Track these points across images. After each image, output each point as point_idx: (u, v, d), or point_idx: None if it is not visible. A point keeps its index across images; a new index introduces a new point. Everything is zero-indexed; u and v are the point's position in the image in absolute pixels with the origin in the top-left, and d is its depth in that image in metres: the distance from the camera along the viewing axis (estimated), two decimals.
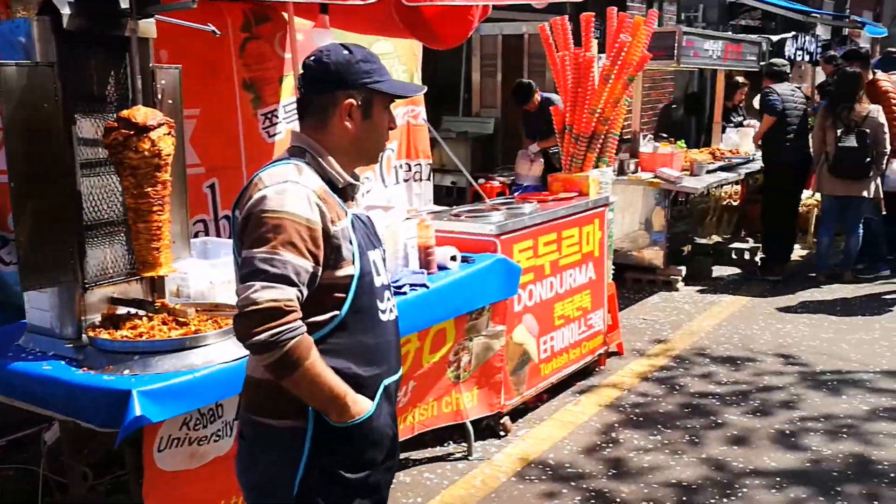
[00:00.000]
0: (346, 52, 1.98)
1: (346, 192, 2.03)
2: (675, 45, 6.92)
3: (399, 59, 5.90)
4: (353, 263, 1.94)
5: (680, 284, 7.08)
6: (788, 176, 7.40)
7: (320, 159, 1.98)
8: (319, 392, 1.87)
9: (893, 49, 8.77)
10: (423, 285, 3.47)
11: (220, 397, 2.66)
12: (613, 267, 5.48)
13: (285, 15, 4.74)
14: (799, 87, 7.77)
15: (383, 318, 2.05)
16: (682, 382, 4.94)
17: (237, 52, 4.73)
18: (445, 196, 9.38)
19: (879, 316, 6.24)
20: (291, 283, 1.81)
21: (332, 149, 1.99)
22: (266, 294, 1.77)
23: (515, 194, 5.45)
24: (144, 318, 2.78)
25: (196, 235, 4.56)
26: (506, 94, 10.92)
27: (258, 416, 1.98)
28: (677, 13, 12.87)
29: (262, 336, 1.76)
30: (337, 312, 1.93)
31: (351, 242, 1.94)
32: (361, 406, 1.94)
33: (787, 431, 4.23)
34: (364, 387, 1.97)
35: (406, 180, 6.19)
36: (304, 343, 1.82)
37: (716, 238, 8.45)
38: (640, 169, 7.09)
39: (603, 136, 5.24)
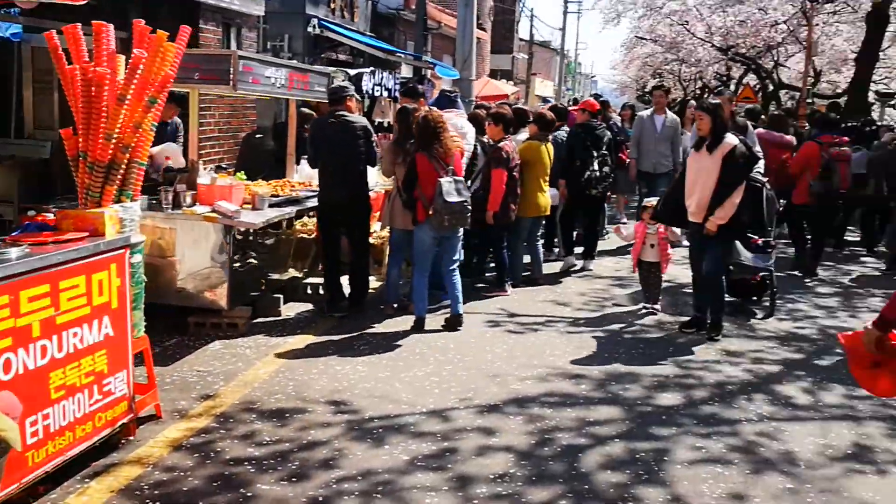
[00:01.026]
0: None
1: None
2: (231, 69, 6.40)
3: None
4: None
5: (246, 327, 6.55)
6: (326, 213, 7.24)
7: None
8: None
9: (449, 89, 9.30)
10: None
11: None
12: (140, 316, 4.74)
13: None
14: (373, 120, 7.68)
15: None
16: (220, 448, 4.35)
17: None
18: None
19: (434, 347, 6.27)
20: None
21: None
22: None
23: (12, 234, 4.44)
24: None
25: None
26: (63, 113, 9.66)
27: None
28: (262, 41, 12.58)
29: None
30: None
31: None
32: None
33: (321, 498, 3.82)
34: None
35: None
36: None
37: (293, 273, 8.10)
38: (197, 202, 6.44)
39: (124, 166, 4.49)
